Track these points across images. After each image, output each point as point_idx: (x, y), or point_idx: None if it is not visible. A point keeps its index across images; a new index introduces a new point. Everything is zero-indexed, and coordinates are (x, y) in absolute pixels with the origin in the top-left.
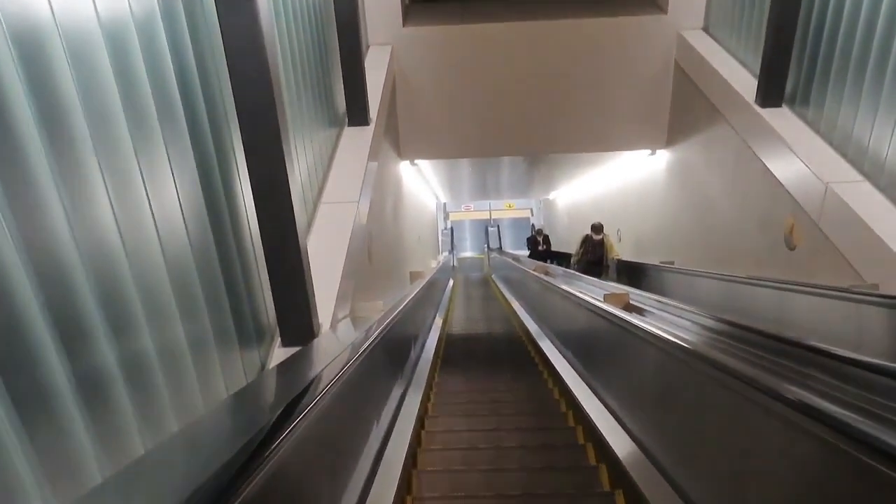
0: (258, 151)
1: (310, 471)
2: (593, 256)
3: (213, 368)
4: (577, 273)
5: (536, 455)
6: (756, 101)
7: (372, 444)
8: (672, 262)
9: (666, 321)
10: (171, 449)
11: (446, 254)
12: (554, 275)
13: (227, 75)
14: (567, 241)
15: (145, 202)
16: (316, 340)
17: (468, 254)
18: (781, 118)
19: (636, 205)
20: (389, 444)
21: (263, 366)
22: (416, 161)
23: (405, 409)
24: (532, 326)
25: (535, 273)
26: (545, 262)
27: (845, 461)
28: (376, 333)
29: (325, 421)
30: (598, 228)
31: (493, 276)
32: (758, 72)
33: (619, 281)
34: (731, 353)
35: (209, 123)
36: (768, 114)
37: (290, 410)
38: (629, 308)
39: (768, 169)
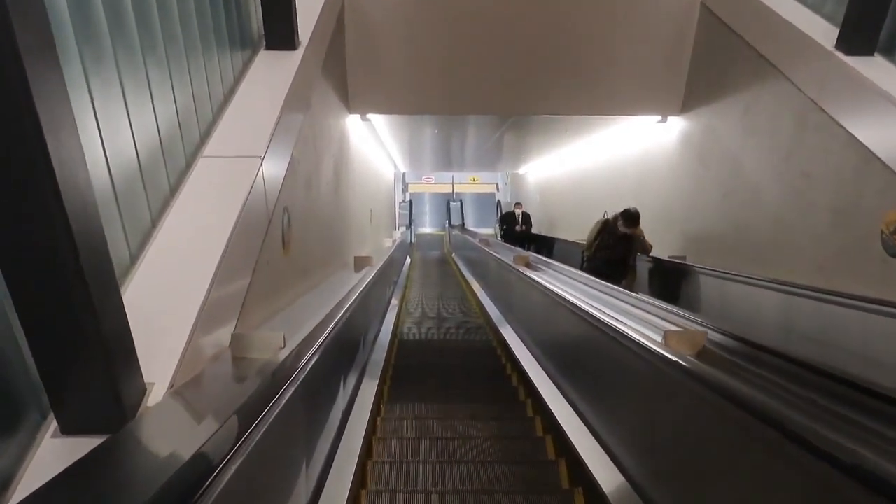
0: None
1: None
2: (613, 254)
3: None
4: (584, 274)
5: None
6: (838, 47)
7: None
8: (684, 258)
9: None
10: None
11: (404, 229)
12: (537, 268)
13: None
14: (539, 221)
15: None
16: (131, 425)
17: (427, 230)
18: (878, 70)
19: (633, 185)
20: None
21: (7, 483)
22: (369, 116)
23: None
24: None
25: (517, 266)
26: (523, 246)
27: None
28: (273, 402)
29: None
30: (633, 218)
31: (454, 255)
32: (825, 12)
33: (651, 290)
34: None
35: None
36: (858, 64)
37: None
38: (705, 357)
39: (857, 140)
